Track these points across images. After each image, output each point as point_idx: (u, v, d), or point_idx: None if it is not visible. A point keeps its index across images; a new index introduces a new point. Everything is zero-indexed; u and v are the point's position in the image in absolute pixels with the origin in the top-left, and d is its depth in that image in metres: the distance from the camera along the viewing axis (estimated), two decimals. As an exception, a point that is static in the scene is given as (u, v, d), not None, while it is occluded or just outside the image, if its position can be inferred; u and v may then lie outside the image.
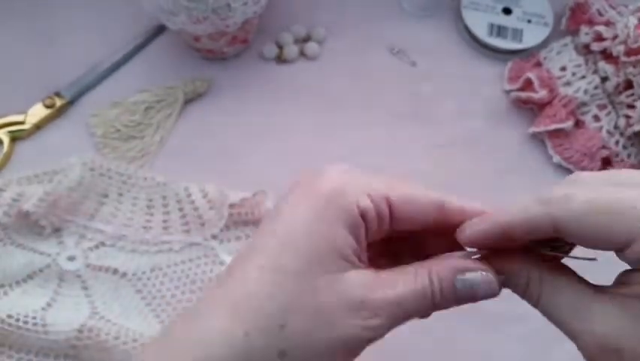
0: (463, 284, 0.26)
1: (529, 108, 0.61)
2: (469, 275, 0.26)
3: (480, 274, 0.26)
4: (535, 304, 0.25)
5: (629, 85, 0.57)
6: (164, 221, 0.52)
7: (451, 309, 0.27)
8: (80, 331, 0.45)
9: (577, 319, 0.24)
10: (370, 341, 0.26)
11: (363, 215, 0.25)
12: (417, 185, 0.27)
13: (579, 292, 0.25)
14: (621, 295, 0.24)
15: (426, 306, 0.26)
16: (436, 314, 0.29)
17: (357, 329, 0.25)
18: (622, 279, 0.25)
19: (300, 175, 0.27)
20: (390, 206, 0.26)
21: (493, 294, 0.26)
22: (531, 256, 0.26)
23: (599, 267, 0.27)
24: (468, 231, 0.27)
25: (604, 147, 0.57)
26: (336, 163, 0.27)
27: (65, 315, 0.47)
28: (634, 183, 0.23)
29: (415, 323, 0.28)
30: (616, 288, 0.25)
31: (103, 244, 0.51)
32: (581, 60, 0.60)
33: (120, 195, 0.53)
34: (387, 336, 0.27)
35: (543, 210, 0.24)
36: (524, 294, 0.26)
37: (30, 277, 0.49)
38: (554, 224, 0.24)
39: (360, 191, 0.26)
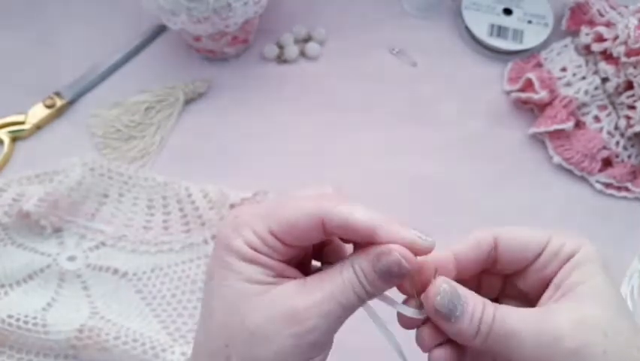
0: (381, 266, 0.28)
1: (530, 109, 0.61)
2: (384, 258, 0.28)
3: (393, 255, 0.28)
4: (486, 333, 0.27)
5: (629, 86, 0.57)
6: (165, 221, 0.52)
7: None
8: (80, 331, 0.45)
9: (542, 322, 0.27)
10: (315, 345, 0.27)
11: (255, 249, 0.28)
12: (301, 202, 0.28)
13: (531, 309, 0.28)
14: (563, 297, 0.28)
15: (357, 296, 0.28)
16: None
17: (293, 338, 0.27)
18: (550, 292, 0.29)
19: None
20: (275, 235, 0.28)
21: (404, 270, 0.28)
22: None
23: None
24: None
25: (604, 147, 0.57)
26: (236, 209, 0.30)
27: (65, 315, 0.47)
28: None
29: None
30: (552, 299, 0.29)
31: (103, 244, 0.51)
32: (581, 61, 0.60)
33: (121, 195, 0.53)
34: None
35: (483, 232, 0.31)
36: (480, 316, 0.27)
37: (30, 277, 0.49)
38: (495, 237, 0.31)
39: (246, 231, 0.28)
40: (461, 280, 0.29)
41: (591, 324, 0.26)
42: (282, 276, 0.28)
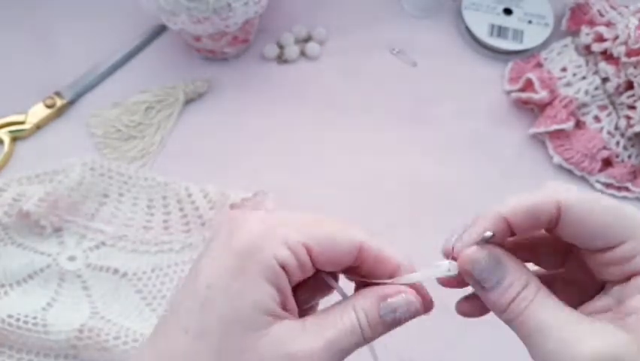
0: (386, 310, 0.26)
1: (530, 109, 0.61)
2: (390, 301, 0.26)
3: (401, 298, 0.26)
4: (520, 313, 0.25)
5: (629, 86, 0.57)
6: (165, 221, 0.52)
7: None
8: (80, 331, 0.46)
9: (569, 333, 0.24)
10: None
11: (284, 266, 0.25)
12: (336, 223, 0.27)
13: (574, 313, 0.25)
14: (613, 315, 0.25)
15: (357, 341, 0.26)
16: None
17: None
18: (608, 302, 0.26)
19: (218, 227, 0.27)
20: (310, 251, 0.26)
21: (415, 313, 0.27)
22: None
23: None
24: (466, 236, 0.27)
25: (604, 147, 0.57)
26: (252, 212, 0.27)
27: (66, 315, 0.47)
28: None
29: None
30: (604, 309, 0.26)
31: (103, 244, 0.51)
32: (581, 61, 0.60)
33: (121, 195, 0.53)
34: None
35: (549, 195, 0.25)
36: (514, 297, 0.25)
37: (30, 277, 0.49)
38: (560, 207, 0.25)
39: (277, 242, 0.25)
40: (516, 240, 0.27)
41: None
42: (284, 307, 0.26)
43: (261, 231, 0.25)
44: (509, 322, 0.26)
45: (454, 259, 0.27)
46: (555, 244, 0.28)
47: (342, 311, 0.27)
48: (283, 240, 0.25)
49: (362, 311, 0.26)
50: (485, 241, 0.26)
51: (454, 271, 0.27)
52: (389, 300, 0.26)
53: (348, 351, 0.26)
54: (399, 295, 0.26)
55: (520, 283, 0.26)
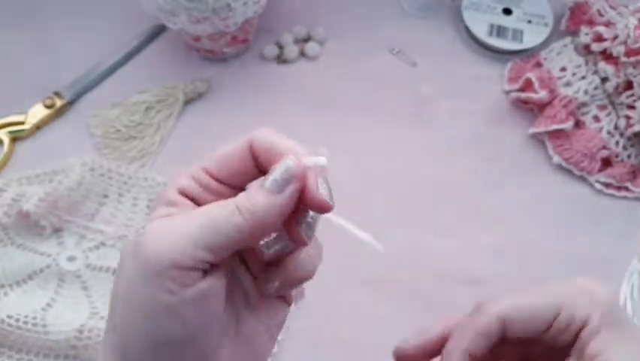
0: (270, 178, 0.26)
1: (530, 109, 0.61)
2: (272, 174, 0.26)
3: (279, 164, 0.26)
4: None
5: (629, 85, 0.57)
6: (165, 221, 0.52)
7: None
8: (80, 331, 0.45)
9: None
10: (171, 261, 0.23)
11: (184, 192, 0.26)
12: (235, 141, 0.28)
13: None
14: None
15: (236, 222, 0.24)
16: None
17: (138, 266, 0.24)
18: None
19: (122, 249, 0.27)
20: (210, 172, 0.27)
21: (296, 175, 0.26)
22: None
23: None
24: None
25: (604, 147, 0.57)
26: (153, 219, 0.26)
27: (65, 315, 0.47)
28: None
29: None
30: None
31: (103, 244, 0.51)
32: (581, 61, 0.60)
33: (120, 195, 0.53)
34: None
35: (491, 315, 0.27)
36: None
37: (30, 277, 0.49)
38: (502, 321, 0.27)
39: (181, 176, 0.27)
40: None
41: None
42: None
43: (174, 176, 0.27)
44: None
45: None
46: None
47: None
48: (186, 173, 0.27)
49: (242, 193, 0.25)
50: None
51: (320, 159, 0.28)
52: (269, 175, 0.26)
53: (227, 232, 0.24)
54: (279, 164, 0.26)
55: None
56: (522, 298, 0.28)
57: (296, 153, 0.27)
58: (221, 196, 0.26)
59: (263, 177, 0.26)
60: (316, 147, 0.28)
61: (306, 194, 0.26)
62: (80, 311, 0.48)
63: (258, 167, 0.27)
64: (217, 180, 0.27)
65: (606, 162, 0.58)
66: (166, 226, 0.24)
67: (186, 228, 0.24)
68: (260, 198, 0.25)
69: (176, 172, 0.27)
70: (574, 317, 0.27)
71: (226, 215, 0.24)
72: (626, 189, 0.58)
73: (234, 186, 0.27)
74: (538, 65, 0.62)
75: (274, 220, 0.25)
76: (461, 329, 0.28)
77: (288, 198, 0.25)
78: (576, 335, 0.27)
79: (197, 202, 0.26)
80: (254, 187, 0.26)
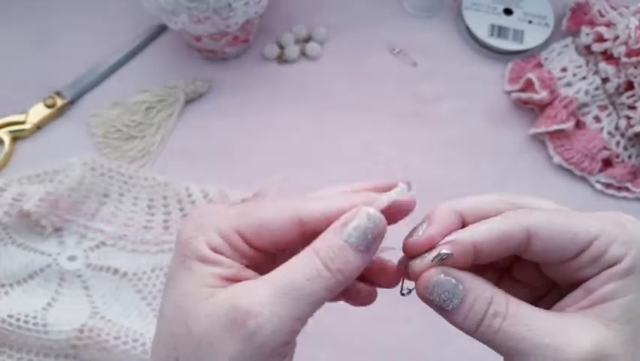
0: (348, 232, 0.24)
1: (530, 109, 0.61)
2: (351, 221, 0.25)
3: (360, 213, 0.25)
4: (496, 331, 0.24)
5: (629, 86, 0.57)
6: (165, 221, 0.52)
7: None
8: (80, 331, 0.46)
9: (554, 338, 0.24)
10: (265, 347, 0.24)
11: (215, 249, 0.26)
12: (275, 204, 0.26)
13: (548, 315, 0.25)
14: (580, 307, 0.25)
15: (323, 280, 0.24)
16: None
17: (238, 342, 0.23)
18: (578, 294, 0.25)
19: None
20: (243, 236, 0.26)
21: (381, 226, 0.25)
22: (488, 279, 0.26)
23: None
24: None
25: (605, 148, 0.57)
26: (197, 207, 0.28)
27: (66, 315, 0.47)
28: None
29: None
30: (571, 303, 0.25)
31: (103, 243, 0.51)
32: (581, 61, 0.60)
33: (121, 195, 0.53)
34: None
35: (515, 221, 0.25)
36: (481, 317, 0.24)
37: (31, 276, 0.49)
38: (528, 231, 0.25)
39: (209, 231, 0.26)
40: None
41: (610, 354, 0.23)
42: (238, 278, 0.25)
43: (196, 224, 0.26)
44: (485, 343, 0.25)
45: (409, 278, 0.26)
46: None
47: (297, 256, 0.25)
48: (215, 229, 0.26)
49: (322, 243, 0.24)
50: (442, 260, 0.25)
51: (409, 192, 0.26)
52: (350, 224, 0.24)
53: (311, 299, 0.24)
54: (357, 213, 0.24)
55: (484, 300, 0.24)
56: (558, 216, 0.25)
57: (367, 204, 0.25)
58: (251, 260, 0.26)
59: (337, 227, 0.25)
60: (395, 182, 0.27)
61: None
62: (80, 311, 0.48)
63: (305, 235, 0.26)
64: (250, 245, 0.26)
65: (607, 163, 0.58)
66: (268, 306, 0.24)
67: (284, 305, 0.24)
68: (350, 257, 0.24)
69: (196, 221, 0.27)
70: (607, 252, 0.24)
71: (316, 277, 0.24)
72: (627, 189, 0.58)
73: (266, 251, 0.26)
74: (539, 65, 0.62)
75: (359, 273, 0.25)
76: (483, 225, 0.25)
77: (374, 253, 0.25)
78: (599, 272, 0.25)
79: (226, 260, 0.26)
80: (338, 245, 0.24)
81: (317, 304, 0.24)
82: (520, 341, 0.24)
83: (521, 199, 0.28)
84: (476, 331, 0.25)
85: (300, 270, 0.24)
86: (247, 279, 0.25)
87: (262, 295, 0.24)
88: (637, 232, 0.25)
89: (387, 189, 0.27)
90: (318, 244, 0.25)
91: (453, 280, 0.25)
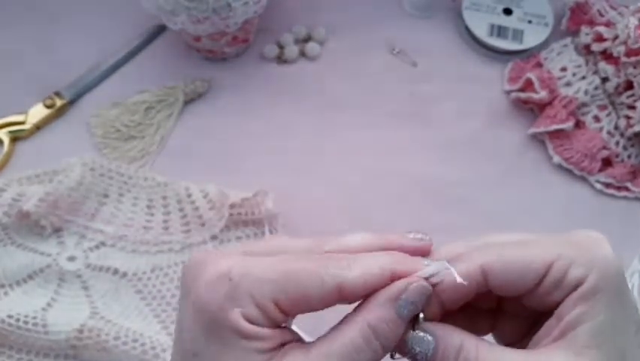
0: (402, 306, 0.24)
1: (530, 109, 0.61)
2: (405, 295, 0.24)
3: (413, 286, 0.24)
4: None
5: (629, 86, 0.57)
6: (165, 221, 0.52)
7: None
8: (80, 331, 0.45)
9: None
10: None
11: (254, 322, 0.24)
12: (308, 263, 0.25)
13: (519, 354, 0.24)
14: (552, 339, 0.24)
15: (374, 352, 0.24)
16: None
17: None
18: (550, 323, 0.25)
19: (183, 276, 0.26)
20: (279, 305, 0.24)
21: (428, 293, 0.25)
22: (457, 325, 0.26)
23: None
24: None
25: (604, 147, 0.57)
26: (214, 263, 0.25)
27: (65, 315, 0.47)
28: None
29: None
30: (551, 334, 0.25)
31: (103, 244, 0.51)
32: (581, 61, 0.60)
33: (121, 195, 0.53)
34: None
35: (468, 261, 0.25)
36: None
37: (30, 277, 0.49)
38: (482, 268, 0.24)
39: (244, 302, 0.24)
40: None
41: None
42: (279, 344, 0.25)
43: (227, 292, 0.24)
44: None
45: None
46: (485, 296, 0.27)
47: (347, 326, 0.25)
48: (250, 298, 0.24)
49: (374, 317, 0.24)
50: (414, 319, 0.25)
51: (446, 268, 0.25)
52: (403, 297, 0.24)
53: None
54: (410, 286, 0.24)
55: (453, 348, 0.24)
56: (510, 250, 0.25)
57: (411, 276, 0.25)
58: (277, 326, 0.25)
59: (390, 300, 0.24)
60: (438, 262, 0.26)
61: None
62: (80, 311, 0.48)
63: (340, 300, 0.25)
64: (284, 313, 0.25)
65: (606, 162, 0.58)
66: None
67: None
68: (399, 330, 0.24)
69: (226, 286, 0.24)
70: (567, 274, 0.24)
71: (367, 350, 0.24)
72: (627, 189, 0.58)
73: (297, 315, 0.26)
74: (539, 65, 0.62)
75: None
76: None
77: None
78: (566, 297, 0.24)
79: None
80: (391, 318, 0.24)
81: None
82: None
83: (482, 239, 0.27)
84: None
85: (359, 348, 0.24)
86: (287, 342, 0.25)
87: None
88: (597, 250, 0.25)
89: (413, 250, 0.27)
90: (373, 319, 0.24)
91: (422, 334, 0.25)
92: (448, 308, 0.26)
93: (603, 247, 0.25)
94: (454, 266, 0.25)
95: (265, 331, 0.24)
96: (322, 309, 0.25)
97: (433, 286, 0.25)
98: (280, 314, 0.24)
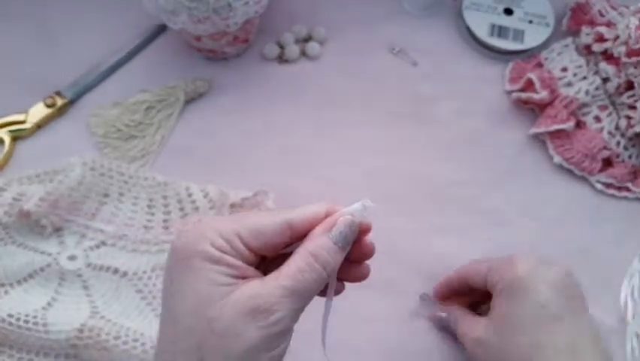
0: (337, 236, 0.31)
1: (530, 109, 0.61)
2: (336, 227, 0.31)
3: (342, 221, 0.31)
4: (455, 328, 0.47)
5: (630, 86, 0.57)
6: (165, 221, 0.52)
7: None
8: (80, 330, 0.46)
9: (470, 330, 0.44)
10: (281, 334, 0.30)
11: (220, 249, 0.30)
12: (266, 212, 0.33)
13: (473, 318, 0.45)
14: (487, 315, 0.44)
15: (317, 278, 0.30)
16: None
17: (260, 331, 0.29)
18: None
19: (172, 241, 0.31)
20: (241, 239, 0.30)
21: (356, 230, 0.32)
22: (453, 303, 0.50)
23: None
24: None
25: (605, 147, 0.57)
26: (189, 219, 0.33)
27: (66, 315, 0.47)
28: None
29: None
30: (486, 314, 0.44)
31: (104, 243, 0.51)
32: (582, 61, 0.60)
33: (121, 194, 0.53)
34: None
35: (480, 270, 0.46)
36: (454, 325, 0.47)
37: (31, 276, 0.49)
38: (461, 278, 0.50)
39: (212, 235, 0.30)
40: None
41: (485, 344, 0.42)
42: (244, 276, 0.30)
43: (197, 229, 0.30)
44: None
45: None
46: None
47: (294, 256, 0.31)
48: (217, 232, 0.30)
49: (315, 246, 0.30)
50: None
51: (368, 206, 0.33)
52: (334, 229, 0.31)
53: (310, 290, 0.30)
54: (339, 221, 0.32)
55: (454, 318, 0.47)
56: (469, 266, 0.48)
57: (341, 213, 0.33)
58: (245, 261, 0.30)
59: (325, 231, 0.32)
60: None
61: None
62: (80, 311, 0.48)
63: (293, 238, 0.32)
64: (247, 247, 0.30)
65: (607, 163, 0.58)
66: (284, 304, 0.29)
67: (294, 302, 0.30)
68: (337, 257, 0.31)
69: (196, 227, 0.30)
70: (492, 279, 0.43)
71: (312, 274, 0.30)
72: (627, 189, 0.58)
73: (259, 252, 0.31)
74: (539, 65, 0.61)
75: None
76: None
77: (346, 251, 0.32)
78: (493, 291, 0.43)
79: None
80: (328, 245, 0.31)
81: (313, 296, 0.31)
82: (462, 337, 0.45)
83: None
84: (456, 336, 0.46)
85: (303, 271, 0.30)
86: (250, 277, 0.30)
87: (277, 295, 0.29)
88: (509, 266, 0.42)
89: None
90: (312, 246, 0.31)
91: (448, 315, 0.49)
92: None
93: (514, 266, 0.42)
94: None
95: (231, 258, 0.30)
96: (280, 245, 0.31)
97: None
98: (245, 248, 0.30)
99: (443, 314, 0.49)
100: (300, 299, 0.30)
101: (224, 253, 0.29)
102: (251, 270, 0.31)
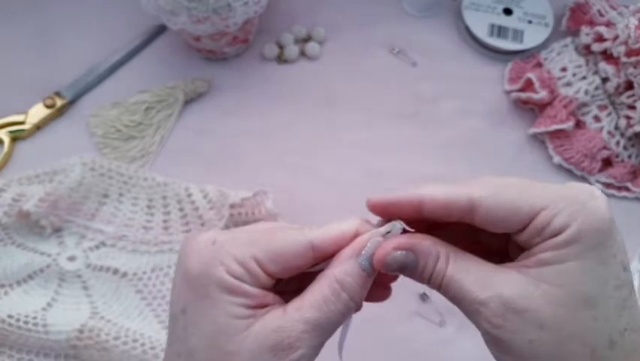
0: (365, 261, 0.27)
1: (530, 109, 0.61)
2: (365, 251, 0.28)
3: (371, 243, 0.28)
4: (440, 282, 0.27)
5: (629, 86, 0.57)
6: (165, 221, 0.52)
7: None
8: (80, 331, 0.46)
9: (484, 288, 0.26)
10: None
11: (236, 276, 0.27)
12: (287, 230, 0.28)
13: (484, 266, 0.27)
14: (522, 266, 0.26)
15: (344, 305, 0.27)
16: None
17: None
18: (521, 254, 0.27)
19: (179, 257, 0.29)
20: (259, 263, 0.27)
21: (410, 259, 0.28)
22: (436, 236, 0.28)
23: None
24: (382, 197, 0.29)
25: (605, 147, 0.57)
26: (202, 234, 0.28)
27: (66, 315, 0.47)
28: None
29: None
30: (516, 262, 0.27)
31: (103, 244, 0.51)
32: (581, 61, 0.60)
33: (121, 195, 0.53)
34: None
35: (459, 190, 0.27)
36: (431, 272, 0.27)
37: (30, 277, 0.49)
38: (471, 201, 0.26)
39: (228, 260, 0.27)
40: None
41: (527, 316, 0.25)
42: (262, 304, 0.28)
43: (211, 253, 0.27)
44: (439, 290, 0.28)
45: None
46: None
47: (318, 283, 0.28)
48: (232, 257, 0.27)
49: (340, 271, 0.27)
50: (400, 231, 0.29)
51: (399, 229, 0.28)
52: (363, 252, 0.28)
53: (334, 322, 0.27)
54: (369, 246, 0.28)
55: (432, 260, 0.27)
56: (505, 190, 0.26)
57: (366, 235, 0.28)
58: (263, 286, 0.28)
59: (357, 253, 0.28)
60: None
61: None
62: (80, 311, 0.48)
63: (317, 260, 0.28)
64: (265, 272, 0.28)
65: (607, 162, 0.58)
66: (306, 341, 0.27)
67: (317, 336, 0.27)
68: (367, 284, 0.28)
69: (210, 249, 0.28)
70: (550, 224, 0.25)
71: (337, 304, 0.27)
72: (627, 189, 0.58)
73: (277, 276, 0.28)
74: (539, 65, 0.62)
75: None
76: (431, 185, 0.28)
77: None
78: (543, 242, 0.26)
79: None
80: (356, 272, 0.27)
81: (336, 329, 0.28)
82: (457, 291, 0.27)
83: (482, 178, 0.29)
84: (429, 282, 0.28)
85: (328, 301, 0.27)
86: (270, 304, 0.28)
87: (300, 330, 0.27)
88: (586, 204, 0.25)
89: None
90: (337, 271, 0.27)
91: (407, 253, 0.28)
92: (427, 219, 0.28)
93: (594, 202, 0.26)
94: (443, 186, 0.27)
95: (249, 288, 0.27)
96: (301, 268, 0.28)
97: None
98: (262, 273, 0.27)
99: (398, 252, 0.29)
100: (323, 333, 0.27)
101: (241, 280, 0.27)
102: (270, 296, 0.28)
